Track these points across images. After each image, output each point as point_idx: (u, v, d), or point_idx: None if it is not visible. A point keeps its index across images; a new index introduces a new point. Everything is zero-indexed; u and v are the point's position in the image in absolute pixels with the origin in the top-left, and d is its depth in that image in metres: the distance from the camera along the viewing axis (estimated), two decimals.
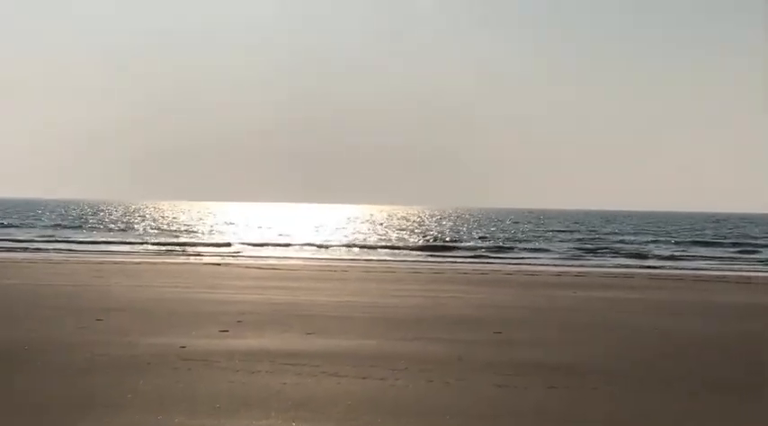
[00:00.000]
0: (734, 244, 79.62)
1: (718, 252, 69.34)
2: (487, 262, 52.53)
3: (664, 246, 76.74)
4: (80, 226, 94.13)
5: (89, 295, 24.05)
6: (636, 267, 50.32)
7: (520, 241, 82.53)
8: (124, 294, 24.48)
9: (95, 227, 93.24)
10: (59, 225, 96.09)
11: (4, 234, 73.56)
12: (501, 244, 76.01)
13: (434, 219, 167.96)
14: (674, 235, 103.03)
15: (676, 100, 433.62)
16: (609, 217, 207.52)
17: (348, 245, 70.69)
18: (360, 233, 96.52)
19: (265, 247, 65.45)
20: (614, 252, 66.13)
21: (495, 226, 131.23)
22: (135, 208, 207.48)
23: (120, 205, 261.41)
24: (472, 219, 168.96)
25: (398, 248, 68.67)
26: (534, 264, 51.33)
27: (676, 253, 65.96)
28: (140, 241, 69.49)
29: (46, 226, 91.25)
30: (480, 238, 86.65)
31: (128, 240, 70.47)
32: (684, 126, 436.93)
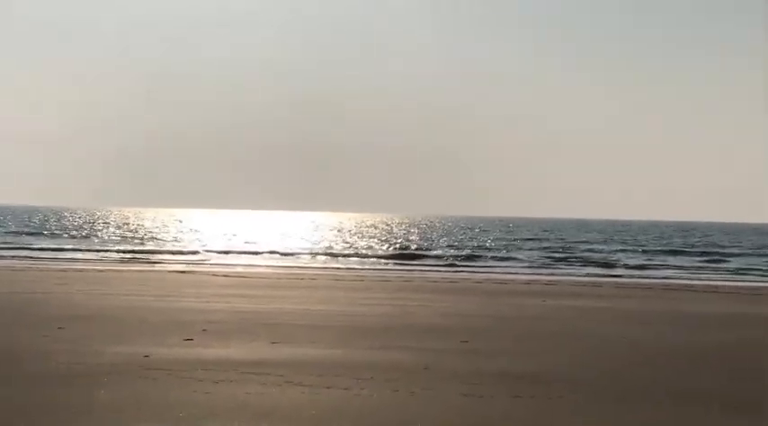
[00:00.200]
0: (702, 254, 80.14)
1: (686, 261, 69.69)
2: (456, 271, 52.49)
3: (633, 255, 77.07)
4: (42, 233, 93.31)
5: (51, 302, 23.74)
6: (605, 276, 50.44)
7: (489, 249, 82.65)
8: (87, 302, 24.18)
9: (58, 234, 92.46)
10: (21, 231, 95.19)
11: None
12: (470, 252, 76.05)
13: (403, 227, 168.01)
14: (643, 244, 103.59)
15: (648, 108, 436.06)
16: (579, 226, 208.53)
17: (316, 253, 70.46)
18: (328, 240, 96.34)
19: (232, 255, 65.12)
20: (583, 261, 66.29)
21: (464, 234, 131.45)
22: (98, 215, 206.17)
23: (83, 211, 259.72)
24: (441, 227, 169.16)
25: (367, 256, 68.53)
26: (503, 273, 51.34)
27: (645, 263, 66.25)
28: (104, 248, 68.94)
29: (7, 233, 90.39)
30: (449, 246, 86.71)
31: (92, 247, 69.88)
32: (654, 135, 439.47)
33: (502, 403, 11.38)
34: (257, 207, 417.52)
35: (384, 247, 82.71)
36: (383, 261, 63.94)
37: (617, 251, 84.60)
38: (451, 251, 78.15)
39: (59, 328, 17.91)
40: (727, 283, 45.08)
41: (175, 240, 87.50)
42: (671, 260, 71.17)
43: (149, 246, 74.07)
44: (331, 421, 10.31)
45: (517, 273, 51.22)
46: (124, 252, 64.55)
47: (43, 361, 13.75)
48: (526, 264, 62.51)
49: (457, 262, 62.37)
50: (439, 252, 76.22)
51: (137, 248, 69.93)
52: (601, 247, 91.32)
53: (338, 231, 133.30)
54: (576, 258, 70.09)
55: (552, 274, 51.47)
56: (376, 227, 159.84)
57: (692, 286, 41.12)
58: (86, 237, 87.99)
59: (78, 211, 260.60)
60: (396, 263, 60.66)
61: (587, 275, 51.04)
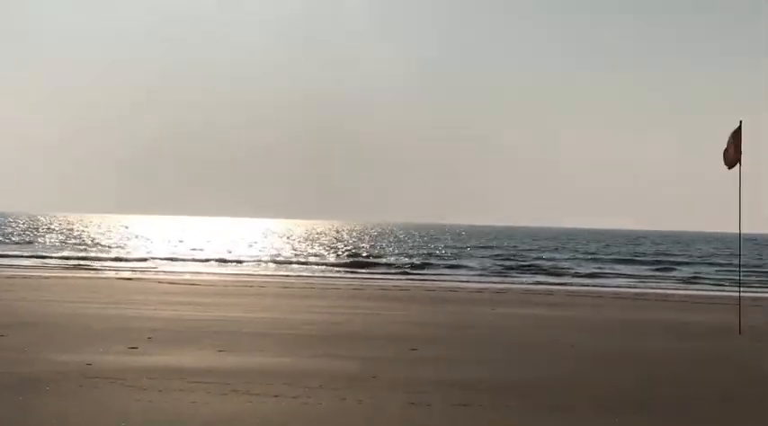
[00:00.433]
0: (653, 262, 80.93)
1: (637, 270, 70.26)
2: (407, 279, 52.45)
3: (583, 264, 77.60)
4: None
5: None
6: (555, 284, 50.67)
7: (440, 257, 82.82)
8: (30, 309, 23.77)
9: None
10: None
11: None
12: (421, 260, 76.13)
13: (353, 234, 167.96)
14: (593, 252, 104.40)
15: (603, 114, 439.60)
16: (531, 234, 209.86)
17: (265, 260, 70.10)
18: (277, 248, 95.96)
19: (180, 262, 64.57)
20: (535, 269, 66.62)
21: (415, 241, 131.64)
22: (42, 221, 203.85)
23: (25, 216, 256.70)
24: (392, 235, 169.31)
25: (317, 264, 68.31)
26: (454, 281, 51.40)
27: (596, 271, 66.72)
28: (48, 254, 68.04)
29: None
30: (400, 254, 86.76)
31: (37, 253, 68.98)
32: (608, 143, 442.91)
33: (449, 412, 11.26)
34: (205, 213, 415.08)
35: (334, 255, 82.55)
36: (333, 268, 63.77)
37: (567, 259, 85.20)
38: (403, 258, 78.22)
39: (1, 336, 17.55)
40: (677, 292, 45.44)
41: (122, 247, 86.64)
42: (622, 268, 71.75)
43: (95, 253, 73.26)
44: None
45: (468, 281, 51.29)
46: (69, 258, 63.75)
47: None
48: (477, 272, 62.67)
49: (408, 270, 62.38)
50: (390, 259, 76.24)
51: (82, 254, 69.12)
52: (551, 255, 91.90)
53: (288, 238, 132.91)
54: (526, 266, 70.39)
55: (503, 282, 51.61)
56: (326, 234, 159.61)
57: (643, 294, 41.41)
58: (29, 243, 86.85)
59: (22, 217, 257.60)
60: (346, 271, 60.51)
61: (538, 283, 51.22)
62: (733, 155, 22.08)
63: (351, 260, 73.66)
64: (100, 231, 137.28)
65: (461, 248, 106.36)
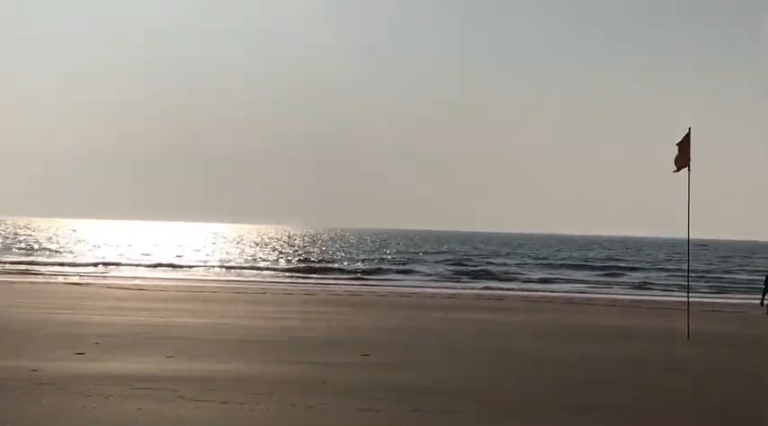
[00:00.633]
0: (604, 268, 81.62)
1: (588, 275, 70.77)
2: (360, 284, 52.37)
3: (535, 269, 78.04)
4: None
5: None
6: (507, 289, 50.86)
7: (393, 262, 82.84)
8: None
9: None
10: None
11: None
12: (374, 265, 76.11)
13: (306, 239, 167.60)
14: (546, 257, 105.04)
15: (556, 119, 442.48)
16: (483, 240, 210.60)
17: (217, 266, 69.65)
18: (230, 252, 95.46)
19: (130, 267, 63.96)
20: (487, 275, 66.81)
21: (368, 246, 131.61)
22: None
23: None
24: (345, 240, 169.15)
25: (269, 269, 67.99)
26: (406, 286, 51.38)
27: (547, 276, 67.14)
28: None
29: None
30: (353, 259, 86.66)
31: None
32: (559, 150, 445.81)
33: (400, 418, 11.19)
34: (157, 218, 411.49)
35: (287, 260, 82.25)
36: (286, 273, 63.51)
37: (519, 264, 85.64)
38: (355, 264, 78.14)
39: None
40: (627, 297, 45.80)
41: (71, 251, 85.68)
42: (573, 273, 72.22)
43: (43, 258, 72.38)
44: None
45: (420, 286, 51.29)
46: (15, 263, 62.90)
47: None
48: (429, 277, 62.75)
49: (360, 275, 62.31)
50: (343, 264, 76.12)
51: (30, 259, 68.26)
52: (503, 260, 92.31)
53: (240, 243, 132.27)
54: (478, 271, 70.60)
55: (455, 287, 51.71)
56: (278, 240, 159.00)
57: (593, 299, 41.68)
58: None
59: None
60: (298, 276, 60.29)
61: (489, 288, 51.37)
62: (681, 161, 22.31)
63: (303, 265, 73.45)
64: (47, 235, 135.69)
65: (414, 253, 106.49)
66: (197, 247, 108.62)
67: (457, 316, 28.29)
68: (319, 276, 60.85)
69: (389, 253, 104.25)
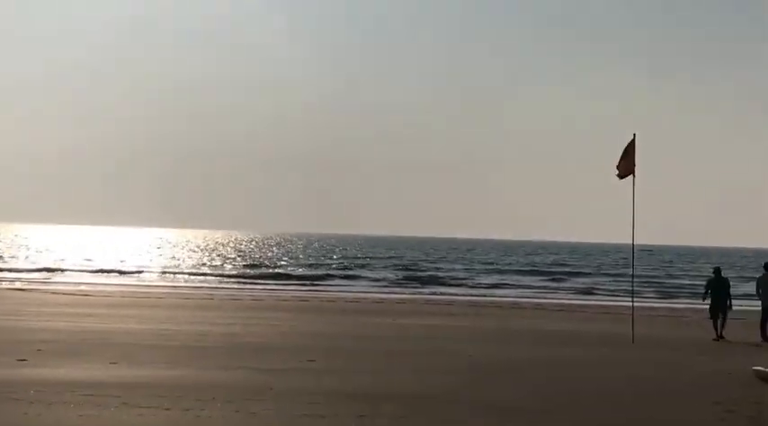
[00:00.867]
0: (551, 273, 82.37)
1: (535, 280, 71.36)
2: (308, 290, 52.30)
3: (483, 274, 78.47)
4: None
5: None
6: (455, 294, 51.08)
7: (341, 267, 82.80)
8: None
9: None
10: None
11: None
12: (322, 270, 76.05)
13: (253, 245, 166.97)
14: (494, 262, 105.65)
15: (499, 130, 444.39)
16: (433, 245, 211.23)
17: (164, 271, 69.14)
18: (177, 258, 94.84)
19: (76, 273, 63.28)
20: (436, 280, 66.99)
21: (316, 251, 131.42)
22: None
23: None
24: (294, 245, 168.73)
25: (217, 275, 67.63)
26: (355, 291, 51.39)
27: (496, 281, 67.59)
28: None
29: None
30: (300, 264, 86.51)
31: None
32: (504, 153, 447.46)
33: (344, 423, 11.17)
34: (103, 223, 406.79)
35: (234, 265, 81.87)
36: (233, 279, 63.19)
37: (467, 269, 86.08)
38: (304, 269, 78.02)
39: None
40: (573, 302, 46.20)
41: (15, 257, 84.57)
42: (521, 279, 72.73)
43: None
44: None
45: (368, 292, 51.32)
46: None
47: None
48: (377, 283, 62.81)
49: (308, 281, 62.21)
50: (290, 270, 75.95)
51: None
52: (451, 266, 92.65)
53: (187, 248, 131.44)
54: (426, 277, 70.78)
55: (403, 292, 51.80)
56: (224, 245, 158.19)
57: (540, 304, 42.00)
58: None
59: None
60: (246, 282, 60.04)
61: (437, 293, 51.57)
62: (626, 167, 22.55)
63: (251, 271, 73.18)
64: None
65: (362, 259, 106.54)
66: (144, 253, 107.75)
67: (405, 321, 28.34)
68: (267, 282, 60.63)
69: (337, 259, 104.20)
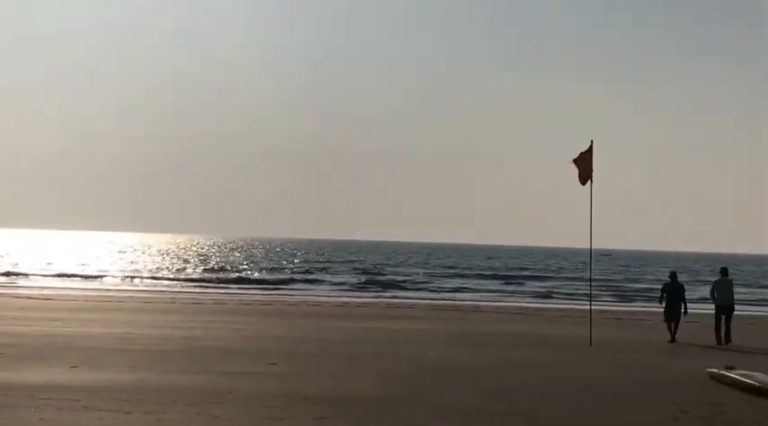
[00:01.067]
0: (509, 276, 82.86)
1: (494, 284, 71.79)
2: (269, 293, 52.21)
3: (444, 278, 78.75)
4: None
5: None
6: (416, 298, 51.23)
7: (302, 271, 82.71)
8: None
9: None
10: None
11: None
12: (284, 274, 75.97)
13: (215, 249, 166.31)
14: (453, 266, 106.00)
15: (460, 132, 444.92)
16: (395, 249, 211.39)
17: (128, 275, 68.72)
18: (140, 262, 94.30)
19: (37, 277, 62.74)
20: (397, 284, 67.11)
21: (277, 255, 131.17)
22: None
23: None
24: (256, 249, 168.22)
25: (179, 279, 67.34)
26: (316, 295, 51.39)
27: (456, 285, 67.89)
28: None
29: None
30: (262, 268, 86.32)
31: None
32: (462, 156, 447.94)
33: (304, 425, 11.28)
34: (59, 226, 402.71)
35: (197, 269, 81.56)
36: (196, 283, 62.95)
37: (427, 273, 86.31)
38: (264, 273, 77.91)
39: None
40: (532, 305, 46.48)
41: None
42: (480, 282, 73.12)
43: None
44: None
45: (330, 296, 51.35)
46: None
47: None
48: (339, 287, 62.85)
49: (269, 285, 62.13)
50: (251, 273, 75.80)
51: None
52: (415, 270, 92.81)
53: (147, 252, 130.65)
54: (387, 281, 70.89)
55: (364, 296, 51.86)
56: (187, 249, 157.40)
57: (500, 308, 42.23)
58: None
59: None
60: (208, 286, 59.84)
61: (398, 297, 51.69)
62: (585, 173, 22.81)
63: (213, 275, 72.93)
64: None
65: (323, 263, 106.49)
66: (109, 256, 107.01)
67: (366, 325, 28.43)
68: (229, 285, 60.47)
69: (298, 263, 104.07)
